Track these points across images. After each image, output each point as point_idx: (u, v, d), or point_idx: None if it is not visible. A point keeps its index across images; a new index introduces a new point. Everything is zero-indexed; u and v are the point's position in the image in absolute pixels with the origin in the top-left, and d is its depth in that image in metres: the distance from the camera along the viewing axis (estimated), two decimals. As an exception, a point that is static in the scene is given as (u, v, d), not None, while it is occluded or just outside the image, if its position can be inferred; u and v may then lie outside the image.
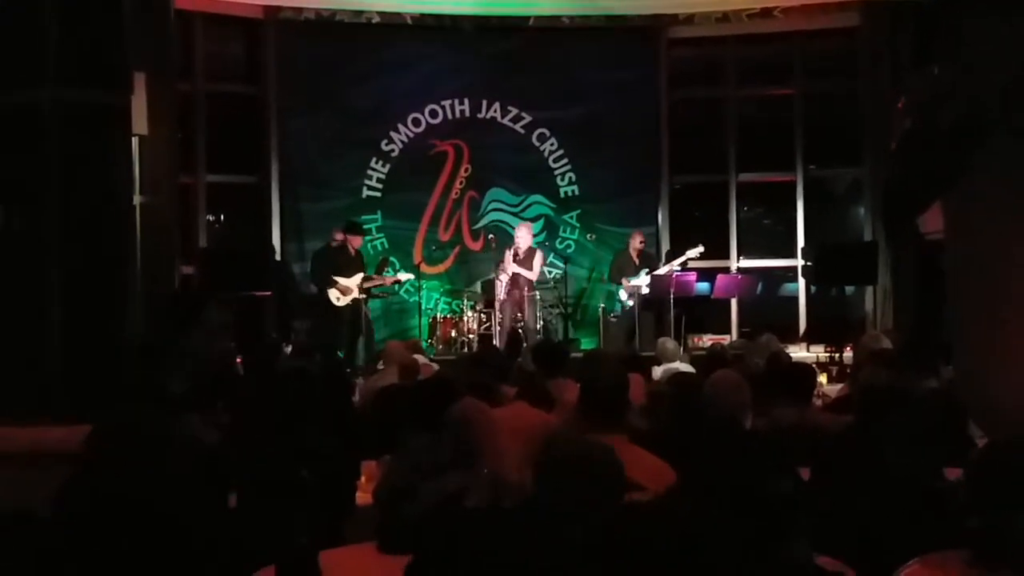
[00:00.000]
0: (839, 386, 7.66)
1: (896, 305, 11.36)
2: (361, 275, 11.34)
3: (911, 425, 3.86)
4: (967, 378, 5.86)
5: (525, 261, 11.38)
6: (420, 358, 8.30)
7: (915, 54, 10.09)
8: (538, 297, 11.90)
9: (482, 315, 11.64)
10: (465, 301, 12.02)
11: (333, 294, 11.22)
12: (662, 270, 11.53)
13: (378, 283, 11.61)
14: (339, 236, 11.49)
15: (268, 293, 11.04)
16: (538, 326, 11.49)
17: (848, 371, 9.04)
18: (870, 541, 3.25)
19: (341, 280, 11.23)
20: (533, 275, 11.34)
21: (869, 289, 11.72)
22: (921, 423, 4.00)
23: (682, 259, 11.50)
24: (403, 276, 11.65)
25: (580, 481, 2.65)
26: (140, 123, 8.55)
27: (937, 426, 4.24)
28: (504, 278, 11.42)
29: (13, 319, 4.23)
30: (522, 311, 11.34)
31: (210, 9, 11.64)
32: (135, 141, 8.36)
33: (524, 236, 11.51)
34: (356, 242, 11.47)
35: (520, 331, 10.91)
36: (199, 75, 11.80)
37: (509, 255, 11.40)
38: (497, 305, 11.51)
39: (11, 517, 2.41)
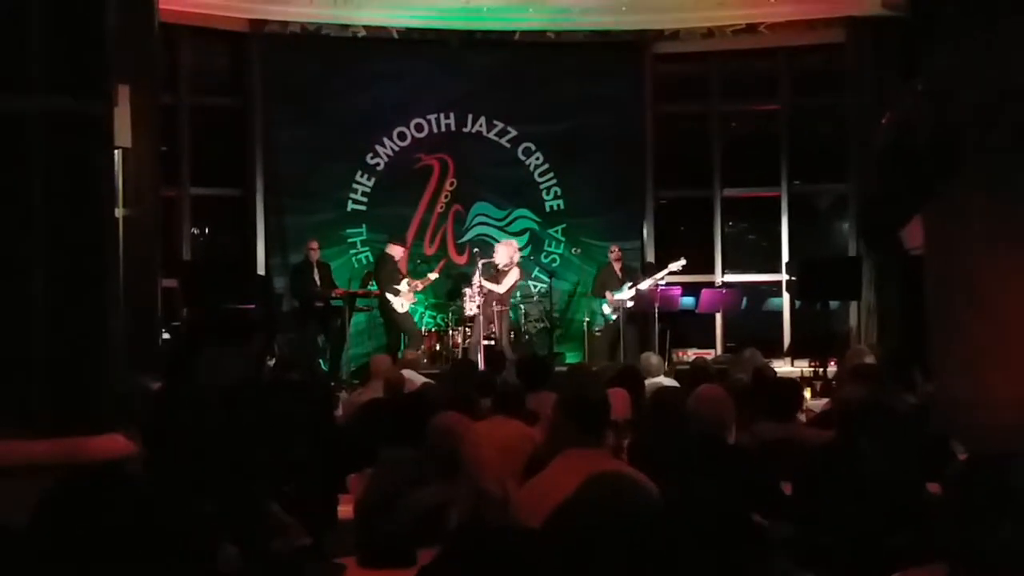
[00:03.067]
0: (823, 401, 7.67)
1: (880, 320, 11.40)
2: (407, 281, 11.65)
3: (892, 440, 3.86)
4: (947, 393, 5.87)
5: (498, 276, 11.41)
6: (409, 372, 8.28)
7: (901, 69, 10.15)
8: (522, 310, 11.91)
9: (467, 329, 11.63)
10: (450, 315, 12.02)
11: (397, 302, 11.54)
12: (645, 284, 11.53)
13: (423, 287, 11.94)
14: (315, 248, 11.53)
15: (251, 306, 10.99)
16: (510, 339, 11.48)
17: (832, 386, 9.06)
18: (852, 556, 3.26)
19: (398, 289, 11.55)
20: (501, 289, 11.36)
21: (853, 304, 11.76)
22: (902, 438, 4.00)
23: (664, 273, 11.52)
24: (432, 276, 11.98)
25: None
26: (123, 135, 8.49)
27: (918, 441, 4.25)
28: (472, 291, 11.46)
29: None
30: (495, 325, 11.33)
31: (195, 22, 11.61)
32: (118, 153, 8.33)
33: (502, 253, 11.58)
34: (399, 251, 11.68)
35: (497, 346, 10.91)
36: (184, 88, 11.77)
37: (479, 271, 11.47)
38: (471, 318, 11.57)
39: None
